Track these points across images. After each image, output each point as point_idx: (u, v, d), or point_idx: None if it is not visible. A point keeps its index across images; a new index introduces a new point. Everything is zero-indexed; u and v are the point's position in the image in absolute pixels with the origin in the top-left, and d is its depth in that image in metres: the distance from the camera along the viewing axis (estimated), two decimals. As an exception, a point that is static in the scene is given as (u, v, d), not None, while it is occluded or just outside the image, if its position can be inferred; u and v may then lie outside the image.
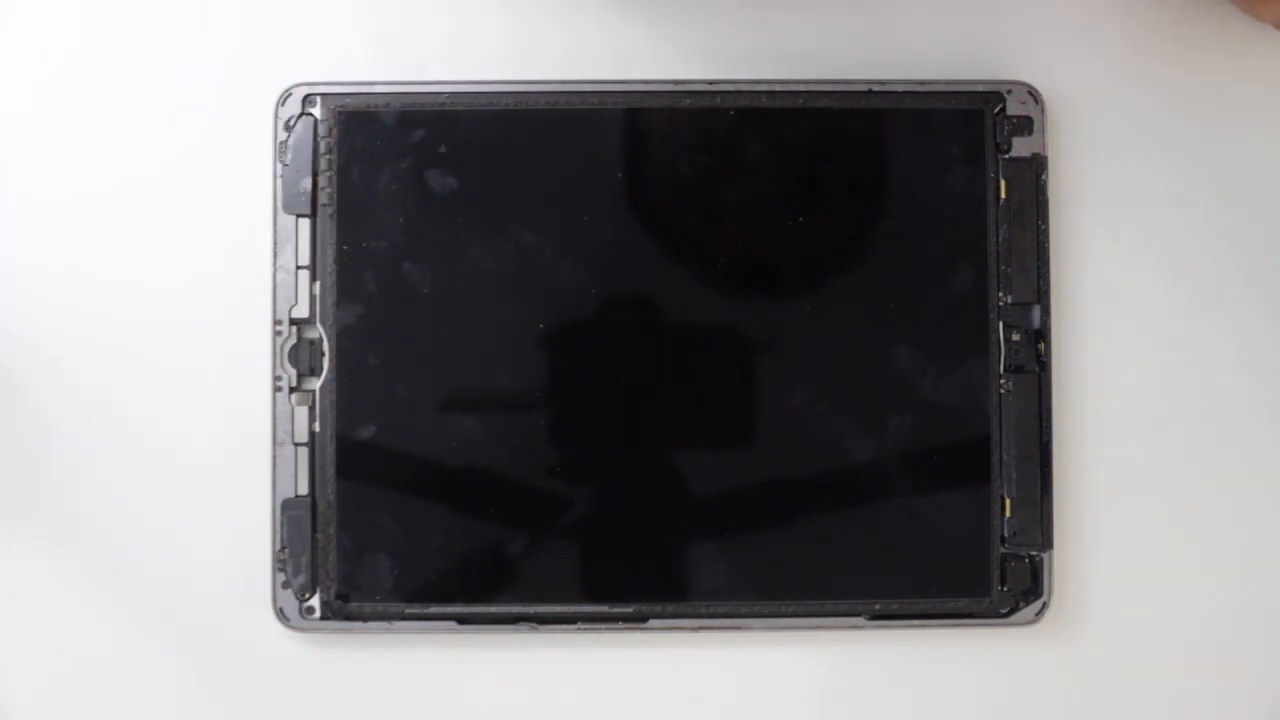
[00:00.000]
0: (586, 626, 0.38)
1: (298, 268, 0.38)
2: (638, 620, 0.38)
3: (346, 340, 0.38)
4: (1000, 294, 0.38)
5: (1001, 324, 0.38)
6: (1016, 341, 0.38)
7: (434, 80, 0.38)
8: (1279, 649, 0.40)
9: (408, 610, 0.38)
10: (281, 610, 0.38)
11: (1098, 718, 0.39)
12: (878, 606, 0.38)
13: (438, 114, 0.38)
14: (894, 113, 0.38)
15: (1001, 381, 0.38)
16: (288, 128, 0.38)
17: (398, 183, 0.38)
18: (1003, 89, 0.38)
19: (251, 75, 0.39)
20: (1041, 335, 0.38)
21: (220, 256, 0.39)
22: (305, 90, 0.38)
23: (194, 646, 0.39)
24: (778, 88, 0.38)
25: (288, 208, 0.38)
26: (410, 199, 0.38)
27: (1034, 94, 0.39)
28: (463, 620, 0.38)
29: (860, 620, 0.38)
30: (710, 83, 0.38)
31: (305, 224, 0.38)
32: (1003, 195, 0.38)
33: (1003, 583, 0.38)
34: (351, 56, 0.39)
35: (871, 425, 0.38)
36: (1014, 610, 0.38)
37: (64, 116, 0.39)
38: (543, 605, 0.38)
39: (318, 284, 0.38)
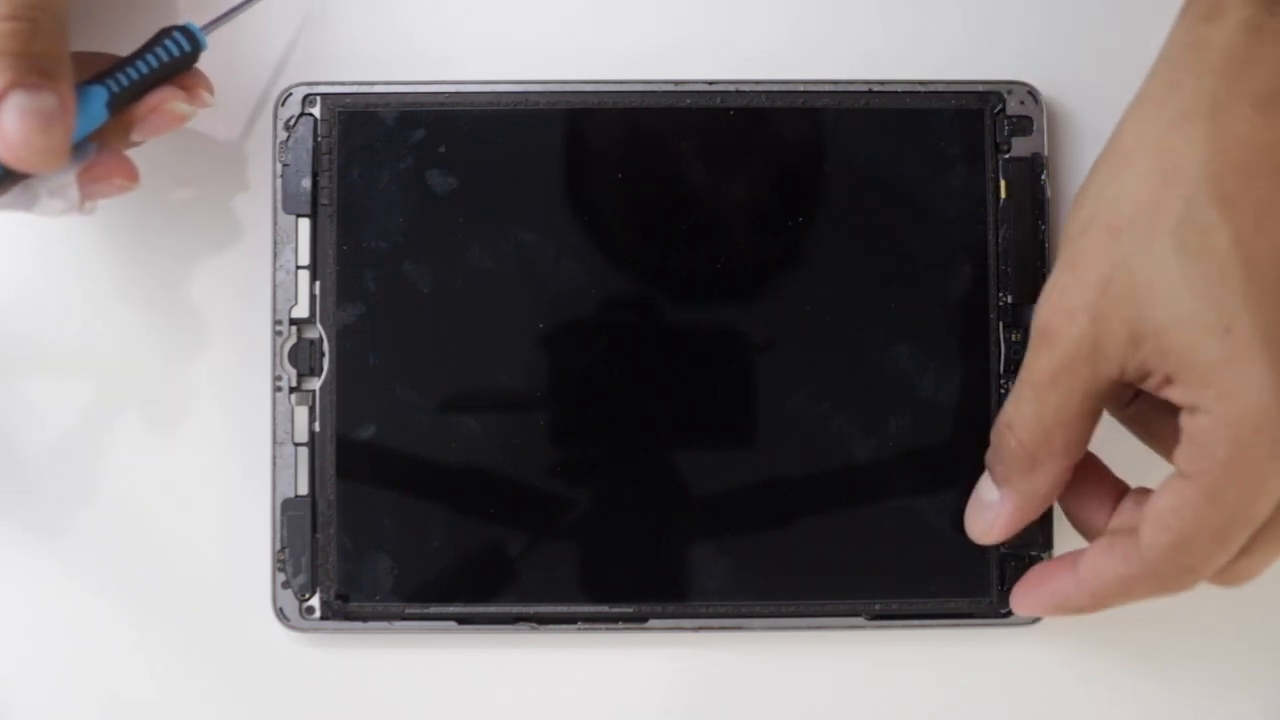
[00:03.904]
0: (586, 627, 0.38)
1: (298, 267, 0.38)
2: (637, 620, 0.38)
3: (346, 340, 0.38)
4: (1000, 294, 0.38)
5: (1001, 324, 0.38)
6: (1016, 342, 0.38)
7: (434, 80, 0.38)
8: (1279, 649, 0.40)
9: (408, 610, 0.38)
10: (281, 610, 0.38)
11: (1096, 718, 0.39)
12: (877, 607, 0.38)
13: (438, 114, 0.38)
14: (894, 112, 0.38)
15: (1001, 382, 0.38)
16: (288, 127, 0.38)
17: (398, 183, 0.38)
18: (1003, 89, 0.38)
19: (252, 75, 0.39)
20: (1041, 335, 0.38)
21: (220, 256, 0.39)
22: (305, 90, 0.38)
23: (194, 646, 0.39)
24: (778, 88, 0.38)
25: (288, 207, 0.38)
26: (410, 199, 0.38)
27: (1034, 94, 0.39)
28: (463, 620, 0.38)
29: (860, 620, 0.38)
30: (710, 83, 0.38)
31: (305, 224, 0.38)
32: (1002, 195, 0.38)
33: (1002, 583, 0.38)
34: (352, 56, 0.39)
35: (871, 425, 0.38)
36: (1013, 611, 0.38)
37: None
38: (542, 605, 0.38)
39: (318, 284, 0.38)
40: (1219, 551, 0.31)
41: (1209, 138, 0.31)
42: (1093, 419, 0.33)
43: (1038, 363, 0.33)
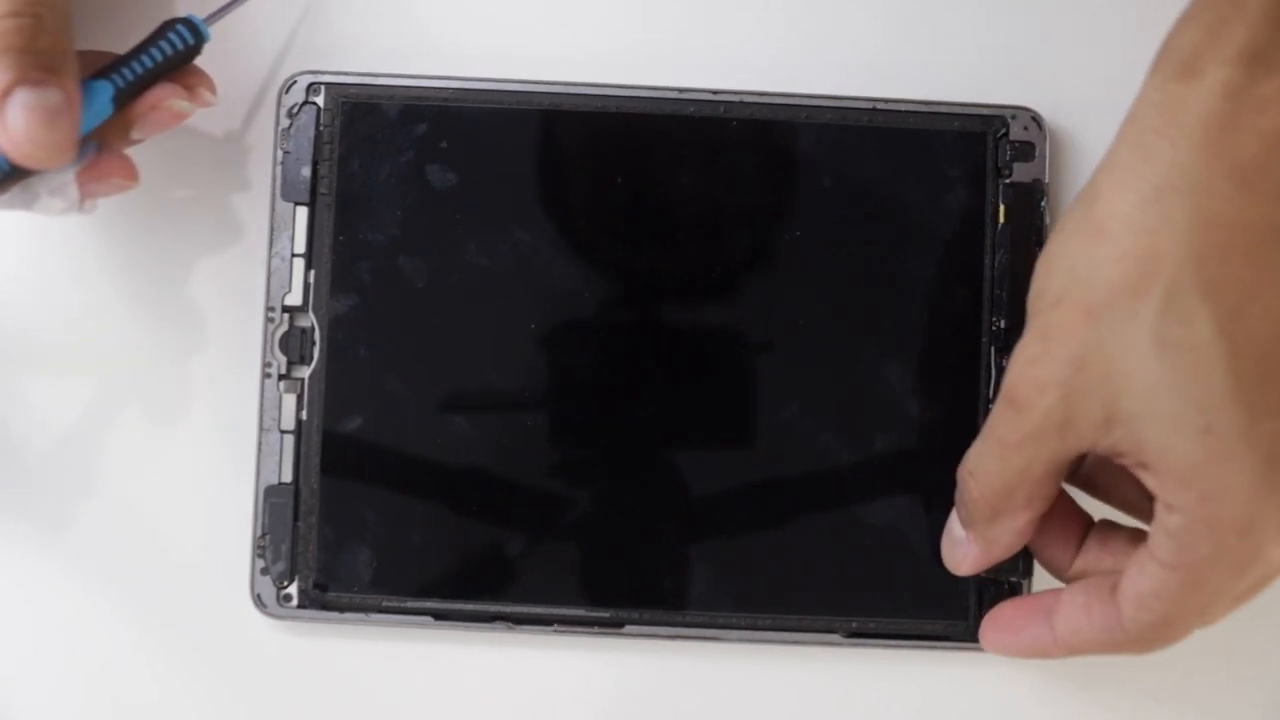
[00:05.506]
0: (563, 629, 0.38)
1: (293, 255, 0.38)
2: (614, 625, 0.38)
3: (338, 330, 0.38)
4: (993, 318, 0.38)
5: (993, 349, 0.38)
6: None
7: (439, 75, 0.38)
8: (1268, 657, 0.39)
9: (385, 603, 0.38)
10: (259, 596, 0.38)
11: (1069, 747, 0.39)
12: (854, 624, 0.38)
13: (441, 109, 0.38)
14: (896, 131, 0.38)
15: (989, 406, 0.38)
16: (290, 115, 0.38)
17: (397, 176, 0.38)
18: (1006, 114, 0.38)
19: (252, 66, 0.39)
20: (1033, 362, 0.38)
21: (216, 245, 0.39)
22: (309, 79, 0.38)
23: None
24: (781, 100, 0.38)
25: (286, 195, 0.38)
26: (409, 193, 0.38)
27: (1037, 120, 0.38)
28: (439, 616, 0.38)
29: (836, 637, 0.38)
30: (714, 92, 0.38)
31: (303, 212, 0.38)
32: (1000, 220, 0.38)
33: (980, 607, 0.38)
34: (352, 49, 0.39)
35: (857, 442, 0.38)
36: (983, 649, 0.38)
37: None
38: (520, 605, 0.38)
39: (312, 273, 0.38)
40: (1201, 624, 0.32)
41: (1188, 218, 0.29)
42: (1057, 479, 0.33)
43: (1004, 424, 0.32)
